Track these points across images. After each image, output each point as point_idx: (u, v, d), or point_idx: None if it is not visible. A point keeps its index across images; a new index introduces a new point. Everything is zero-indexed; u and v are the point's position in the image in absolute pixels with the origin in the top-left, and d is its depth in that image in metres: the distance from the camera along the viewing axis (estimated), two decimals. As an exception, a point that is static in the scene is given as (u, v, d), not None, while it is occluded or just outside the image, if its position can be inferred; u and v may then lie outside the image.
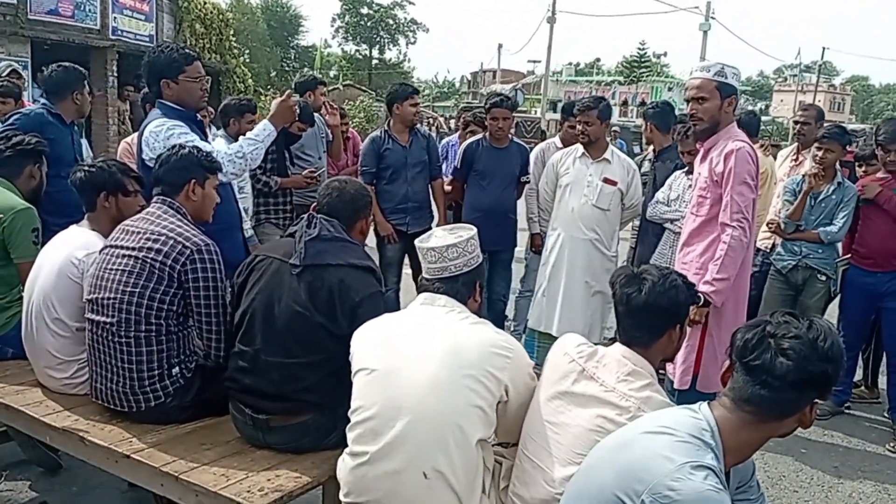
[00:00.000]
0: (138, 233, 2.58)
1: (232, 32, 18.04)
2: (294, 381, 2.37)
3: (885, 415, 4.46)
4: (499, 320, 5.18)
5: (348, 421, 2.11)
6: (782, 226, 4.47)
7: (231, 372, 2.49)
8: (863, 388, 4.94)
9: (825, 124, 4.80)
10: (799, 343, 1.55)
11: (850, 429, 4.39)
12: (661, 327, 2.04)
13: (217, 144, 3.55)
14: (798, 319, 1.61)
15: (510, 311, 5.53)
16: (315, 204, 2.60)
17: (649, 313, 2.02)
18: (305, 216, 2.51)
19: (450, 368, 2.01)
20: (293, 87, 5.98)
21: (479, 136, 5.20)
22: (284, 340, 2.38)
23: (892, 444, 4.14)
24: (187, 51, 3.23)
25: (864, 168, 4.78)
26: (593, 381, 2.00)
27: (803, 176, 4.42)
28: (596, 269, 4.50)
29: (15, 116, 3.98)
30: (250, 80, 15.91)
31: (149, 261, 2.50)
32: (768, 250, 4.78)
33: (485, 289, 5.07)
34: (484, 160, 5.00)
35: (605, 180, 4.45)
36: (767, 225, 4.63)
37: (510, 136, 5.12)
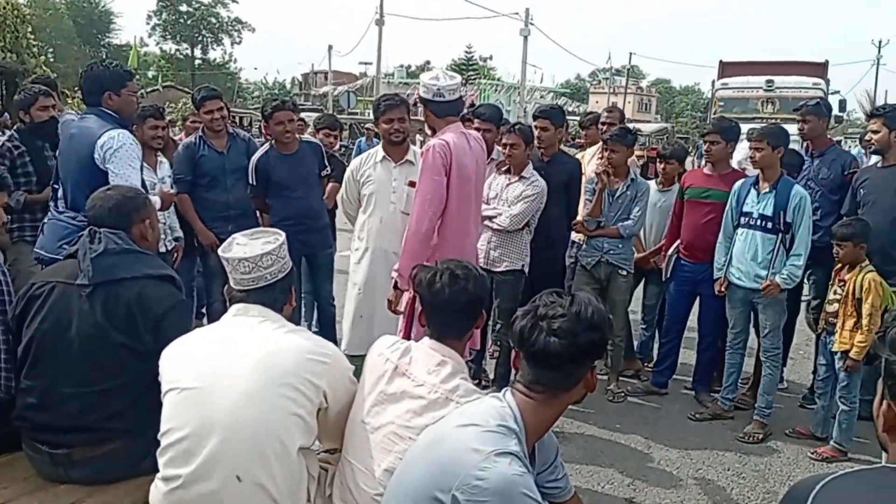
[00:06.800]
0: None
1: (30, 29, 16.77)
2: (96, 411, 2.22)
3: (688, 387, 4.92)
4: (331, 324, 5.08)
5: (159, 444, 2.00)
6: (585, 223, 4.75)
7: (20, 411, 2.28)
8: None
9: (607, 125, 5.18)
10: (565, 321, 1.67)
11: (658, 401, 4.83)
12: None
13: None
14: (562, 297, 1.74)
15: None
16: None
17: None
18: (85, 232, 2.35)
19: (265, 379, 1.97)
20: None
21: (266, 146, 4.86)
22: (80, 368, 2.22)
23: (693, 413, 4.58)
24: (129, 69, 3.62)
25: (663, 166, 5.24)
26: (405, 378, 2.05)
27: (597, 174, 4.73)
28: None
29: None
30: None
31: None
32: (582, 243, 5.08)
33: (308, 294, 5.02)
34: (279, 170, 4.70)
35: (411, 184, 3.93)
36: (573, 224, 4.82)
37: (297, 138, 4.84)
